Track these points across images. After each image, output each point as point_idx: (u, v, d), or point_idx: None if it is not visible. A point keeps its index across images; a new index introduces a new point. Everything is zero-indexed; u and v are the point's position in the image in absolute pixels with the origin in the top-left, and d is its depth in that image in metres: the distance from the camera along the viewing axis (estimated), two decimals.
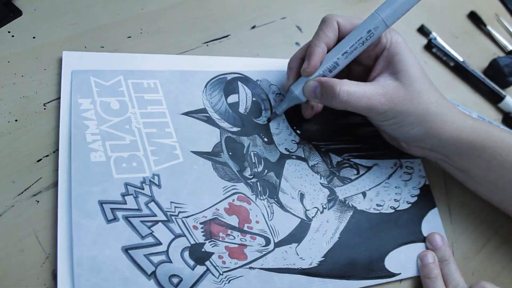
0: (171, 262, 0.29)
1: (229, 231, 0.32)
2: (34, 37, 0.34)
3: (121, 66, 0.35)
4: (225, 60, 0.39)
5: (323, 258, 0.34)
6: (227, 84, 0.38)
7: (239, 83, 0.39)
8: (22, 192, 0.29)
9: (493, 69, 0.53)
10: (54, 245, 0.28)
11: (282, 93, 0.40)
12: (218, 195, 0.33)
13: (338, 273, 0.34)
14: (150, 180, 0.31)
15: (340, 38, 0.34)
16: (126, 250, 0.28)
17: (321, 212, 0.36)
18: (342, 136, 0.40)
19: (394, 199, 0.39)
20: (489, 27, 0.58)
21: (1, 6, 0.34)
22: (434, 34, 0.53)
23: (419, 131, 0.34)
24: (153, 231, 0.29)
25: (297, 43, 0.45)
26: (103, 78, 0.34)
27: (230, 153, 0.35)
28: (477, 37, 0.57)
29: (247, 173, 0.35)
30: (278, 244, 0.33)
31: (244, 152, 0.36)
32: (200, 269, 0.30)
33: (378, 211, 0.38)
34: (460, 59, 0.51)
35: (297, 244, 0.33)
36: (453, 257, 0.37)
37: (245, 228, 0.32)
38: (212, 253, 0.30)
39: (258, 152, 0.36)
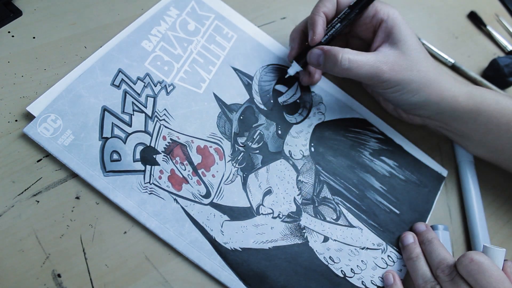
0: (124, 143, 0.32)
1: (185, 162, 0.33)
2: (34, 37, 0.34)
3: (218, 9, 0.42)
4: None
5: (240, 250, 0.33)
6: (286, 78, 0.40)
7: (297, 83, 0.41)
8: (22, 192, 0.29)
9: (493, 69, 0.53)
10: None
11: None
12: (202, 134, 0.35)
13: (242, 274, 0.32)
14: (165, 85, 0.35)
15: (339, 9, 0.36)
16: (104, 109, 0.32)
17: (273, 217, 0.35)
18: (350, 183, 0.39)
19: (351, 269, 0.35)
20: (489, 27, 0.58)
21: (1, 6, 0.34)
22: (423, 40, 0.53)
23: (420, 98, 0.35)
24: (133, 114, 0.33)
25: None
26: (200, 7, 0.41)
27: (241, 118, 0.37)
28: (477, 37, 0.57)
29: (241, 140, 0.36)
30: (213, 205, 0.33)
31: (253, 126, 0.37)
32: (138, 165, 0.32)
33: (327, 264, 0.35)
34: (451, 60, 0.52)
35: (229, 219, 0.33)
36: (437, 238, 0.35)
37: (199, 171, 0.34)
38: (158, 164, 0.32)
39: (265, 134, 0.37)
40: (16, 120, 0.31)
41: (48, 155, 0.30)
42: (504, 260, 0.32)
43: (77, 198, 0.30)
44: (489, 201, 0.44)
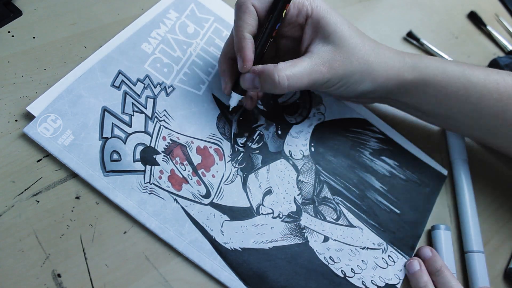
0: (124, 143, 0.32)
1: (185, 162, 0.34)
2: (34, 37, 0.34)
3: (217, 11, 0.42)
4: None
5: (240, 250, 0.32)
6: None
7: None
8: (22, 192, 0.29)
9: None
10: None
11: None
12: (202, 134, 0.35)
13: (242, 274, 0.32)
14: (165, 86, 0.35)
15: (260, 20, 0.32)
16: (104, 110, 0.32)
17: (273, 217, 0.35)
18: (350, 183, 0.39)
19: (352, 269, 0.35)
20: (489, 27, 0.58)
21: (1, 6, 0.34)
22: (423, 40, 0.53)
23: (366, 86, 0.34)
24: (133, 115, 0.33)
25: None
26: (200, 10, 0.41)
27: (241, 118, 0.37)
28: (477, 37, 0.57)
29: (241, 140, 0.36)
30: (213, 205, 0.33)
31: (253, 126, 0.37)
32: (138, 165, 0.32)
33: (327, 264, 0.35)
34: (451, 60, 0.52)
35: (229, 219, 0.33)
36: (446, 266, 0.35)
37: (199, 171, 0.34)
38: (158, 165, 0.32)
39: (264, 135, 0.37)
40: (16, 120, 0.31)
41: (48, 155, 0.30)
42: None
43: (77, 198, 0.30)
44: (488, 201, 0.44)
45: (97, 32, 0.36)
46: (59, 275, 0.28)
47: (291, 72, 0.30)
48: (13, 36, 0.34)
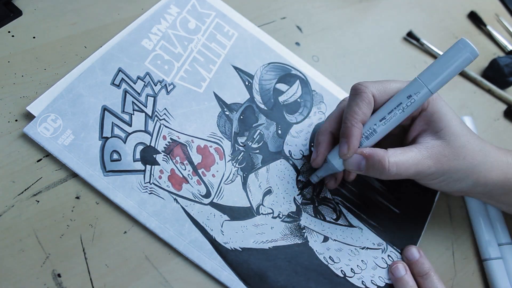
0: (124, 143, 0.32)
1: (185, 162, 0.33)
2: (34, 37, 0.34)
3: (218, 6, 0.42)
4: (297, 59, 0.43)
5: (240, 250, 0.32)
6: (287, 75, 0.39)
7: (298, 82, 0.41)
8: (22, 192, 0.29)
9: (493, 69, 0.53)
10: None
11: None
12: (202, 133, 0.35)
13: (242, 274, 0.32)
14: (166, 84, 0.35)
15: (374, 110, 0.32)
16: (104, 109, 0.32)
17: (273, 217, 0.35)
18: (350, 182, 0.39)
19: (351, 268, 0.35)
20: (489, 27, 0.58)
21: (1, 6, 0.34)
22: (423, 40, 0.53)
23: (467, 183, 0.33)
24: (133, 114, 0.33)
25: (297, 43, 0.45)
26: (201, 5, 0.41)
27: (241, 117, 0.37)
28: (477, 37, 0.57)
29: (241, 139, 0.36)
30: (213, 205, 0.33)
31: (253, 125, 0.37)
32: (138, 165, 0.32)
33: (327, 264, 0.35)
34: None
35: (229, 219, 0.33)
36: (433, 269, 0.35)
37: (199, 171, 0.33)
38: (158, 164, 0.32)
39: (265, 134, 0.37)
40: (16, 120, 0.31)
41: (48, 155, 0.30)
42: None
43: (77, 198, 0.30)
44: None
45: (97, 32, 0.36)
46: (59, 275, 0.28)
47: (400, 160, 0.30)
48: (13, 36, 0.34)
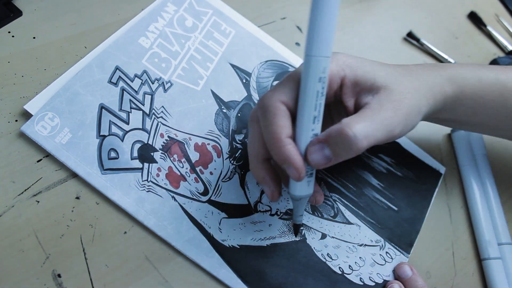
0: (122, 141, 0.32)
1: (183, 159, 0.33)
2: (34, 37, 0.34)
3: (215, 4, 0.42)
4: (294, 57, 0.43)
5: (238, 247, 0.32)
6: (285, 73, 0.40)
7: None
8: (22, 192, 0.29)
9: None
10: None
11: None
12: (200, 131, 0.35)
13: (240, 271, 0.31)
14: (163, 82, 0.35)
15: (292, 115, 0.27)
16: (102, 107, 0.32)
17: (271, 215, 0.35)
18: (347, 180, 0.39)
19: (349, 265, 0.35)
20: (489, 27, 0.58)
21: (1, 6, 0.34)
22: (423, 40, 0.53)
23: (422, 113, 0.31)
24: (130, 112, 0.33)
25: (297, 43, 0.45)
26: (198, 2, 0.40)
27: (239, 115, 0.37)
28: (477, 37, 0.57)
29: (239, 137, 0.36)
30: (211, 202, 0.33)
31: None
32: (136, 163, 0.32)
33: (325, 261, 0.35)
34: (452, 61, 0.52)
35: (227, 216, 0.33)
36: (426, 286, 0.34)
37: (197, 169, 0.34)
38: (156, 162, 0.32)
39: None
40: (16, 120, 0.31)
41: (48, 155, 0.30)
42: None
43: (77, 198, 0.30)
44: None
45: (97, 32, 0.36)
46: (59, 275, 0.28)
47: (362, 125, 0.25)
48: (13, 36, 0.34)
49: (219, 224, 0.33)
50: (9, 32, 0.34)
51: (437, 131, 0.46)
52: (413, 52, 0.51)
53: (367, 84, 0.29)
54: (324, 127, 0.27)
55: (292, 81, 0.27)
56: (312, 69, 0.25)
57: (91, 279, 0.28)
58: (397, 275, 0.36)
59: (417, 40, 0.52)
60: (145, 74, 0.35)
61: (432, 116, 0.34)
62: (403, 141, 0.43)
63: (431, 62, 0.52)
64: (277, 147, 0.25)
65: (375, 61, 0.31)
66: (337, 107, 0.32)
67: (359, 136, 0.24)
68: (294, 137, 0.26)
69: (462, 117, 0.35)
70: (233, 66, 0.39)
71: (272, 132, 0.25)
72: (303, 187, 0.27)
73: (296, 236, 0.34)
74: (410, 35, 0.52)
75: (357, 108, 0.29)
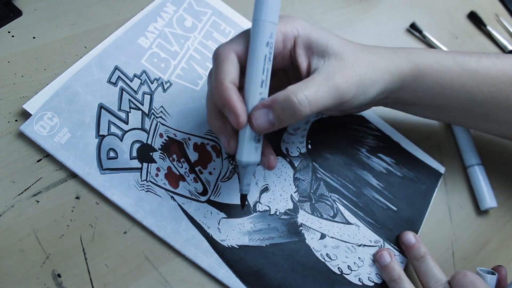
0: (121, 141, 0.32)
1: (182, 159, 0.33)
2: (34, 37, 0.34)
3: (215, 4, 0.41)
4: None
5: (237, 247, 0.32)
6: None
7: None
8: (22, 192, 0.29)
9: None
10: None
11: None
12: (199, 131, 0.35)
13: (239, 271, 0.32)
14: (162, 82, 0.35)
15: (242, 65, 0.27)
16: (101, 107, 0.32)
17: (270, 214, 0.35)
18: (347, 180, 0.39)
19: (348, 266, 0.35)
20: (489, 27, 0.58)
21: (1, 6, 0.34)
22: (425, 32, 0.53)
23: (377, 87, 0.31)
24: (130, 112, 0.33)
25: None
26: (197, 3, 0.40)
27: None
28: (477, 37, 0.57)
29: None
30: (210, 202, 0.33)
31: None
32: (135, 163, 0.32)
33: (324, 261, 0.35)
34: None
35: (226, 216, 0.33)
36: (429, 252, 0.35)
37: (196, 169, 0.34)
38: (155, 162, 0.32)
39: None
40: (16, 120, 0.31)
41: (48, 155, 0.30)
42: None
43: (77, 198, 0.30)
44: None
45: (97, 32, 0.36)
46: (59, 275, 0.28)
47: (308, 91, 0.26)
48: (13, 36, 0.34)
49: (218, 224, 0.33)
50: (9, 32, 0.34)
51: (437, 131, 0.46)
52: (415, 45, 0.51)
53: (320, 48, 0.29)
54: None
55: (244, 36, 0.27)
56: (259, 34, 0.26)
57: (91, 279, 0.28)
58: (401, 242, 0.37)
59: (420, 31, 0.52)
60: (144, 74, 0.35)
61: (392, 96, 0.35)
62: (403, 141, 0.43)
63: None
64: (219, 91, 0.26)
65: (331, 32, 0.31)
66: (293, 70, 0.32)
67: (303, 103, 0.25)
68: (242, 94, 0.27)
69: (423, 99, 0.35)
70: None
71: (217, 76, 0.26)
72: (250, 153, 0.27)
73: (242, 208, 0.31)
74: (413, 26, 0.52)
75: (309, 71, 0.30)
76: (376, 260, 0.36)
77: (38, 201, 0.29)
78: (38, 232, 0.28)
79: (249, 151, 0.27)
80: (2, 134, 0.30)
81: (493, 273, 0.34)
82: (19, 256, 0.27)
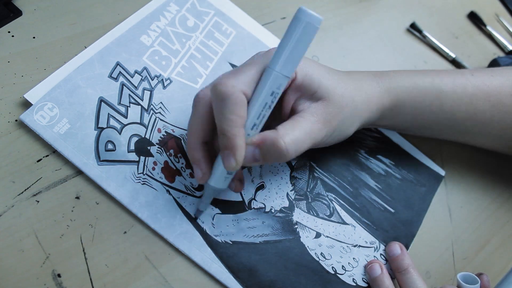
0: (119, 134, 0.32)
1: (179, 155, 0.34)
2: (34, 37, 0.34)
3: (217, 5, 0.42)
4: None
5: (231, 243, 0.32)
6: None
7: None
8: (22, 192, 0.29)
9: None
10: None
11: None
12: None
13: (232, 267, 0.32)
14: (162, 79, 0.36)
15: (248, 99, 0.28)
16: (101, 100, 0.33)
17: (265, 212, 0.35)
18: (344, 180, 0.39)
19: (342, 266, 0.35)
20: (489, 27, 0.58)
21: (1, 6, 0.34)
22: (425, 32, 0.53)
23: (355, 125, 0.34)
24: (129, 106, 0.34)
25: None
26: (200, 3, 0.41)
27: None
28: (477, 37, 0.57)
29: None
30: None
31: None
32: (132, 156, 0.32)
33: (318, 260, 0.34)
34: (452, 55, 0.52)
35: (220, 212, 0.33)
36: (413, 265, 0.34)
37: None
38: (152, 156, 0.33)
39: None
40: (16, 120, 0.31)
41: (48, 155, 0.30)
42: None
43: (77, 198, 0.30)
44: (488, 201, 0.44)
45: (97, 32, 0.36)
46: (59, 275, 0.28)
47: (294, 136, 0.27)
48: (13, 36, 0.34)
49: (213, 219, 0.33)
50: (9, 32, 0.34)
51: None
52: (413, 51, 0.51)
53: (310, 92, 0.30)
54: None
55: (254, 71, 0.28)
56: (269, 82, 0.26)
57: (91, 279, 0.28)
58: (386, 253, 0.37)
59: (420, 31, 0.52)
60: (145, 70, 0.35)
61: (371, 124, 0.37)
62: (403, 143, 0.43)
63: (431, 56, 0.52)
64: (229, 134, 0.26)
65: (324, 68, 0.31)
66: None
67: (290, 149, 0.27)
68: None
69: (402, 123, 0.38)
70: (232, 65, 0.39)
71: (229, 120, 0.26)
72: (219, 180, 0.29)
73: (195, 220, 0.32)
74: (413, 26, 0.52)
75: (293, 109, 0.31)
76: (367, 271, 0.36)
77: (38, 201, 0.29)
78: (38, 232, 0.28)
79: (219, 179, 0.29)
80: (2, 134, 0.30)
81: (475, 279, 0.34)
82: (19, 256, 0.27)
